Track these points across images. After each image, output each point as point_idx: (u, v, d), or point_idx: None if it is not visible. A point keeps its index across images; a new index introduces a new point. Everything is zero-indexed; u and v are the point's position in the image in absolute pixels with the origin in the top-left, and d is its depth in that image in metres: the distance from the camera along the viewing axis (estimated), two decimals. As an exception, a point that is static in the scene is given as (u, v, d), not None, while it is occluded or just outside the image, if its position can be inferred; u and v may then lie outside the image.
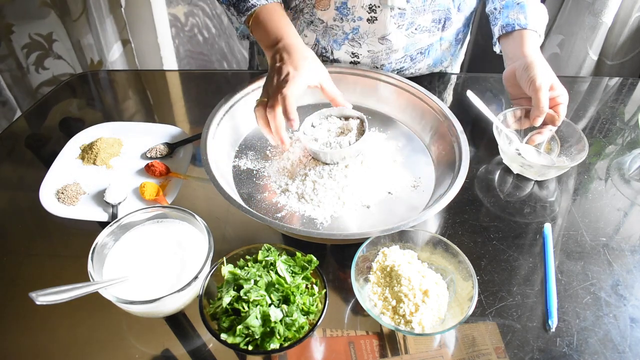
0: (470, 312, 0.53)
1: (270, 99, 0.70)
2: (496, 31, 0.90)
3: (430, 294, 0.57)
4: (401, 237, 0.63)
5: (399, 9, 0.85)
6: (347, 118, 0.81)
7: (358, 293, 0.56)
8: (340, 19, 0.88)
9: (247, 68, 1.31)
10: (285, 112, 0.69)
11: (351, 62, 0.95)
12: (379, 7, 0.85)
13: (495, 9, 0.92)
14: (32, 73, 1.58)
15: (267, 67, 0.77)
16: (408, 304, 0.56)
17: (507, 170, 0.82)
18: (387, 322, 0.56)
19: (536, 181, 0.80)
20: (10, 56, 1.51)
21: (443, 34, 0.95)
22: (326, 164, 0.76)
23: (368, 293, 0.60)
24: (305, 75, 0.71)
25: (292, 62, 0.72)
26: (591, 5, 1.31)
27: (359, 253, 0.59)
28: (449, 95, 1.02)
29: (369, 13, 0.86)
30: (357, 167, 0.76)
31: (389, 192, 0.75)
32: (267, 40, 0.78)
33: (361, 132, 0.77)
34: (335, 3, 0.86)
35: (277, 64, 0.73)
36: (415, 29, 0.90)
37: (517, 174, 0.81)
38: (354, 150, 0.75)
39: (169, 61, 1.67)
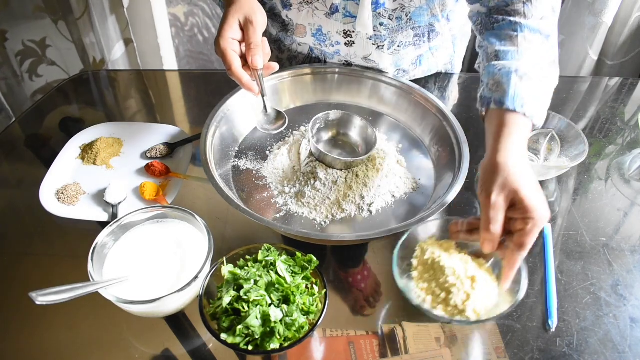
0: (523, 291, 0.53)
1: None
2: (478, 96, 0.66)
3: (478, 280, 0.55)
4: (437, 230, 0.63)
5: (367, 34, 0.83)
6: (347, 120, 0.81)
7: (406, 291, 0.55)
8: (319, 43, 0.87)
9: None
10: (229, 66, 0.65)
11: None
12: (353, 31, 0.84)
13: (481, 56, 0.70)
14: (26, 81, 1.56)
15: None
16: (458, 294, 0.54)
17: (507, 171, 0.82)
18: (440, 315, 0.55)
19: (536, 181, 0.80)
20: (4, 64, 1.49)
21: (432, 44, 0.91)
22: (329, 167, 0.75)
23: (414, 290, 0.58)
24: (232, 12, 0.66)
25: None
26: (591, 5, 1.31)
27: (396, 254, 0.58)
28: (448, 95, 1.02)
29: (344, 38, 0.85)
30: (360, 168, 0.76)
31: (393, 196, 0.74)
32: None
33: (364, 138, 0.77)
34: (311, 30, 0.85)
35: None
36: (398, 46, 0.87)
37: (517, 174, 0.81)
38: (361, 160, 0.74)
39: (169, 61, 1.67)
